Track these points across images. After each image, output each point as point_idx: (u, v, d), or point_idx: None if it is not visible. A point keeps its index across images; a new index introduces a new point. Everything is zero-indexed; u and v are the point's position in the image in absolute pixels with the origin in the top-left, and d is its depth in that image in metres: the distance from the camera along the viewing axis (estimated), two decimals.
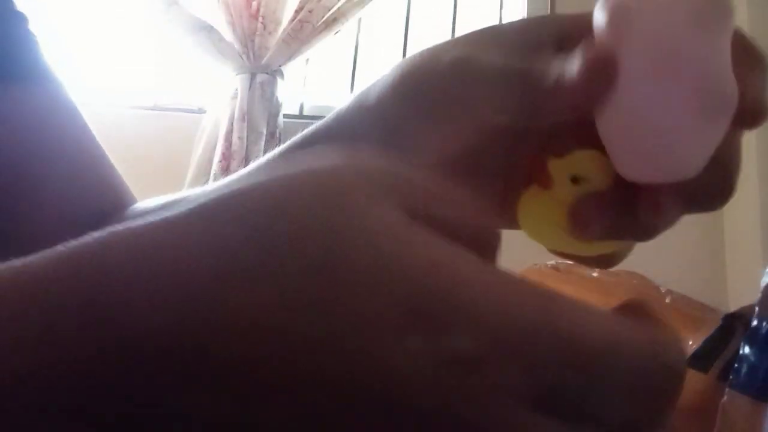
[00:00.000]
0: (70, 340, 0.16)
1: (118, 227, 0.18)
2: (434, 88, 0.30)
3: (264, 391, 0.15)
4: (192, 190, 0.40)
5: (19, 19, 0.45)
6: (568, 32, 0.29)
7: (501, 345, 0.15)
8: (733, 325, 0.27)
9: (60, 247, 0.18)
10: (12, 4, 0.45)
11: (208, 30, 2.07)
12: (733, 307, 1.60)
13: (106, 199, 0.42)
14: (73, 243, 0.18)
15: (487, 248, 0.19)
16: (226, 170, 1.92)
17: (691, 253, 1.89)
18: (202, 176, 1.95)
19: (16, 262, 0.18)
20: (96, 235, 0.18)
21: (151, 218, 0.18)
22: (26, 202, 0.40)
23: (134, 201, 0.44)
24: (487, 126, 0.30)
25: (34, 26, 0.46)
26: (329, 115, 0.35)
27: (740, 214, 1.84)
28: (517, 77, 0.28)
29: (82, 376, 0.16)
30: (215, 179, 1.90)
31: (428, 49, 0.31)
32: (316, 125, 0.36)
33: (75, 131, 0.44)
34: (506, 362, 0.15)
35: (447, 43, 0.31)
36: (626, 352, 0.16)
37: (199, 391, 0.16)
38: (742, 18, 1.87)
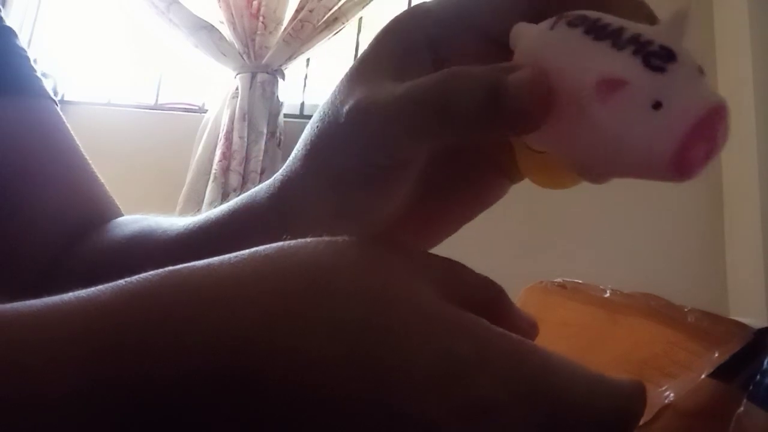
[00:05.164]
0: (137, 364, 0.18)
1: (179, 266, 0.20)
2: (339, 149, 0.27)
3: (309, 417, 0.18)
4: (164, 219, 0.38)
5: (8, 34, 0.46)
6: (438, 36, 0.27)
7: (513, 391, 0.19)
8: (764, 339, 0.27)
9: (122, 282, 0.20)
10: (1, 20, 0.46)
11: (209, 29, 2.07)
12: (733, 309, 1.60)
13: (92, 212, 0.43)
14: (135, 278, 0.20)
15: (491, 304, 0.24)
16: (226, 170, 1.92)
17: (691, 255, 1.89)
18: (203, 175, 1.95)
19: (82, 293, 0.19)
20: (159, 271, 0.20)
21: (208, 260, 0.20)
22: (11, 210, 0.40)
23: (120, 213, 0.45)
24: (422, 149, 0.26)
25: (22, 41, 0.47)
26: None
27: (740, 215, 1.84)
28: (424, 98, 0.24)
29: (137, 394, 0.18)
30: (215, 179, 1.90)
31: (325, 106, 0.28)
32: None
33: (63, 145, 0.44)
34: (516, 404, 0.19)
35: (339, 91, 0.28)
36: (596, 396, 0.20)
37: (250, 409, 0.18)
38: (743, 18, 1.87)
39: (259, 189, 0.31)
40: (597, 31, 0.22)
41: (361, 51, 0.30)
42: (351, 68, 0.28)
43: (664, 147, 0.21)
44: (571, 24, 0.23)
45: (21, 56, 0.46)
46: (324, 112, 0.28)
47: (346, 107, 0.26)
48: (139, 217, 0.41)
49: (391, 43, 0.27)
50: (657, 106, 0.21)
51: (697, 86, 0.21)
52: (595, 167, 0.23)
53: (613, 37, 0.22)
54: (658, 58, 0.21)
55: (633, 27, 0.22)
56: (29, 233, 0.40)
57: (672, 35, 0.22)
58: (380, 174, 0.26)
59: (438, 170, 0.28)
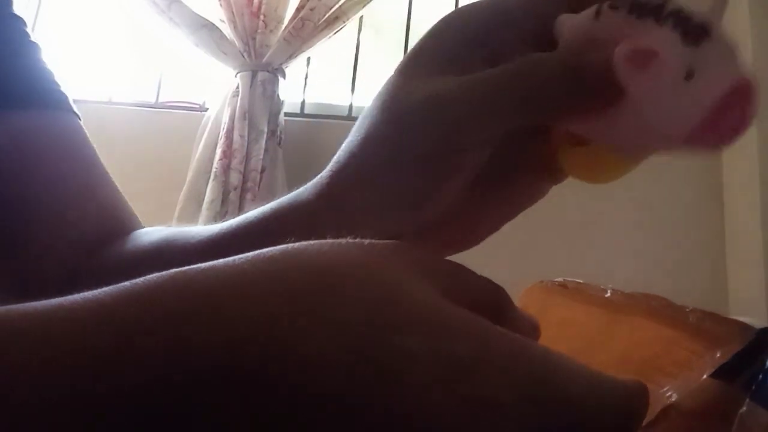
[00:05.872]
0: (138, 362, 0.18)
1: (183, 268, 0.20)
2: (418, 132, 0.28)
3: (308, 410, 0.18)
4: (191, 227, 0.39)
5: (35, 49, 0.48)
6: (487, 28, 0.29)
7: (515, 390, 0.19)
8: (767, 339, 0.27)
9: (127, 283, 0.20)
10: (28, 36, 0.47)
11: (210, 28, 2.07)
12: (733, 309, 1.60)
13: (113, 223, 0.43)
14: (140, 279, 0.20)
15: (494, 306, 0.24)
16: (227, 168, 1.92)
17: (691, 255, 1.89)
18: (203, 174, 1.95)
19: (88, 294, 0.20)
20: (163, 272, 0.20)
21: (212, 262, 0.21)
22: (33, 223, 0.41)
23: (140, 225, 0.45)
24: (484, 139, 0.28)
25: (47, 56, 0.48)
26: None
27: (740, 215, 1.84)
28: (506, 80, 0.26)
29: (138, 395, 0.18)
30: (216, 177, 1.90)
31: (390, 88, 0.29)
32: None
33: (85, 156, 0.46)
34: (517, 403, 0.19)
35: (396, 84, 0.29)
36: (598, 396, 0.20)
37: (251, 409, 0.18)
38: (743, 18, 1.87)
39: (302, 190, 0.32)
40: (639, 9, 0.24)
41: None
42: (403, 62, 0.30)
43: (691, 114, 0.22)
44: (613, 6, 0.25)
45: (47, 71, 0.47)
46: (382, 103, 0.29)
47: (418, 96, 0.28)
48: (162, 227, 0.41)
49: (442, 40, 0.30)
50: (689, 76, 0.22)
51: (729, 61, 0.23)
52: (630, 141, 0.24)
53: (655, 13, 0.23)
54: (694, 32, 0.22)
55: (674, 3, 0.23)
56: (51, 244, 0.41)
57: (711, 15, 0.23)
58: (452, 158, 0.27)
59: (483, 173, 0.29)
